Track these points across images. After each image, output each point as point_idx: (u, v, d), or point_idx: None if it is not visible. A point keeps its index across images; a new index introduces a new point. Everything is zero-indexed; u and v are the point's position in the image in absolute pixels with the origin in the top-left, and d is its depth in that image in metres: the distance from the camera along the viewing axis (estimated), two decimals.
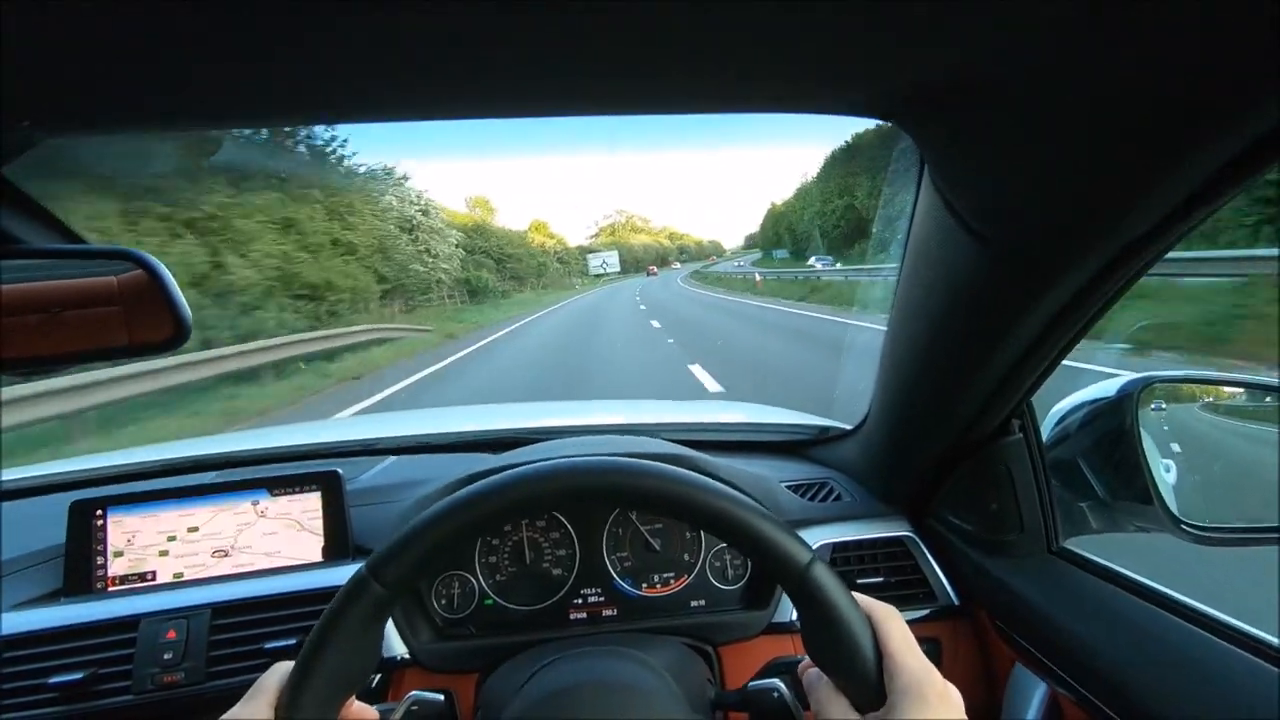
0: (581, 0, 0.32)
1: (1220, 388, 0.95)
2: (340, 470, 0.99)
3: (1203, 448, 0.90)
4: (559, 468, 0.55)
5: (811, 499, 1.02)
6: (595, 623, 0.93)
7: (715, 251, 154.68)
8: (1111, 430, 0.81)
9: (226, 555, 0.94)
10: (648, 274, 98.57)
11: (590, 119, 0.46)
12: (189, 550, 0.93)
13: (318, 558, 0.95)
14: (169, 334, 0.64)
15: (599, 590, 0.94)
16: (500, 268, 43.28)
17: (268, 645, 0.85)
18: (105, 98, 0.39)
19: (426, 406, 6.62)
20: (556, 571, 0.95)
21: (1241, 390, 0.95)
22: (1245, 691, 0.59)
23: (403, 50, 0.37)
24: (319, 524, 0.96)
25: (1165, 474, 0.84)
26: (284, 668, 0.53)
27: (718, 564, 0.96)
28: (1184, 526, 0.75)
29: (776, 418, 1.31)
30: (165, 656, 0.83)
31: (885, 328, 0.81)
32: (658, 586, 0.95)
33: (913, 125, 0.49)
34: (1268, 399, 0.92)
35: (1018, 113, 0.42)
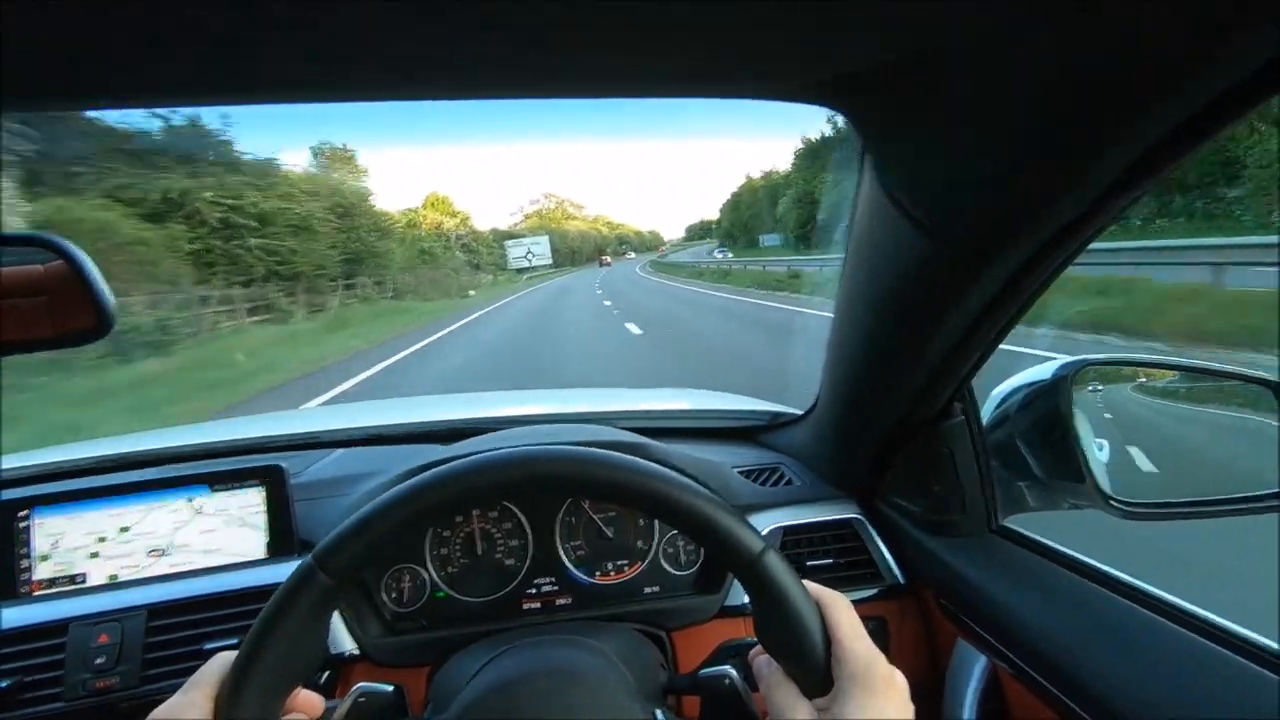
0: None
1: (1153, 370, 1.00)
2: (284, 464, 0.96)
3: (1133, 427, 0.94)
4: (508, 457, 0.54)
5: (763, 484, 1.03)
6: (549, 612, 0.93)
7: (656, 242, 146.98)
8: (1048, 411, 0.83)
9: (163, 554, 0.90)
10: (600, 264, 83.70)
11: (518, 103, 0.45)
12: (122, 551, 0.90)
13: (261, 554, 0.92)
14: (92, 324, 0.61)
15: (552, 579, 0.94)
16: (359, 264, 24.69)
17: (208, 646, 0.82)
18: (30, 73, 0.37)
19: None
20: (509, 562, 0.94)
21: (1173, 373, 0.99)
22: (1171, 659, 0.62)
23: (325, 31, 0.35)
24: (262, 520, 0.93)
25: (1099, 453, 0.87)
26: (225, 659, 0.52)
27: (671, 550, 0.96)
28: (1113, 503, 0.78)
29: (729, 404, 1.32)
30: (98, 661, 0.80)
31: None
32: (611, 574, 0.95)
33: (849, 111, 0.49)
34: (1205, 381, 0.97)
35: (950, 98, 0.43)
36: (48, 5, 0.30)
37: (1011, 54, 0.38)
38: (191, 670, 0.80)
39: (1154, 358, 0.94)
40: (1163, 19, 0.33)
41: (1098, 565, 0.77)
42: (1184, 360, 0.94)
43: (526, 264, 69.96)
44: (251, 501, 0.93)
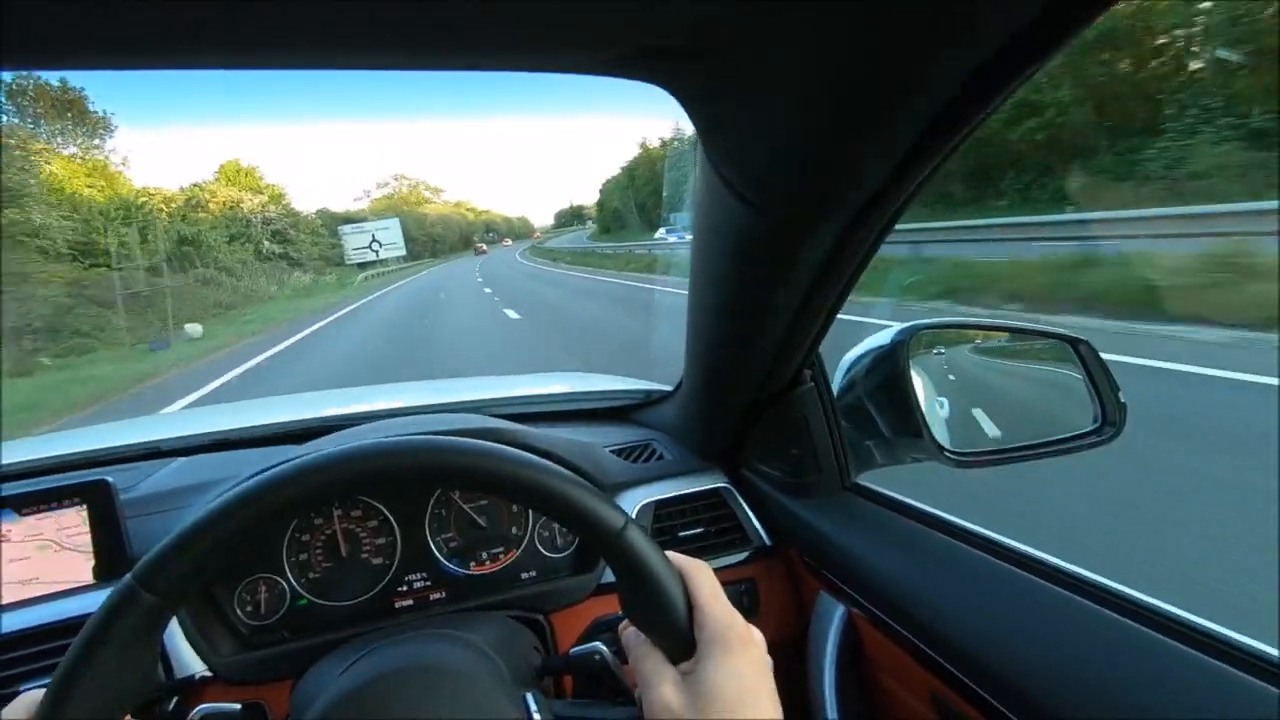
0: None
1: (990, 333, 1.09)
2: (110, 479, 0.86)
3: (967, 384, 1.03)
4: (346, 453, 0.51)
5: (635, 460, 1.04)
6: (424, 608, 0.90)
7: (525, 229, 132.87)
8: (889, 374, 0.90)
9: None
10: (476, 252, 74.05)
11: (350, 79, 0.42)
12: None
13: (88, 579, 0.83)
14: None
15: (424, 574, 0.91)
16: None
17: (24, 687, 0.73)
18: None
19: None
20: (377, 561, 0.90)
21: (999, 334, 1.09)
22: (1001, 594, 0.68)
23: None
24: (86, 542, 0.84)
25: (939, 410, 0.95)
26: (32, 696, 0.47)
27: (546, 534, 0.96)
28: (947, 454, 0.86)
29: (603, 385, 1.32)
30: None
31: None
32: (486, 563, 0.93)
33: (672, 87, 0.50)
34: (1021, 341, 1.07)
35: (758, 71, 0.44)
36: None
37: (808, 26, 0.39)
38: None
39: (977, 320, 1.03)
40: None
41: (937, 513, 0.84)
42: (1003, 321, 1.04)
43: (372, 256, 50.98)
44: (72, 523, 0.84)
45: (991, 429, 0.96)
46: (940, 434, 0.89)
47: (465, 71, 0.45)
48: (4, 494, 0.82)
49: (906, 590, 0.75)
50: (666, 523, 0.97)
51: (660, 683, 0.49)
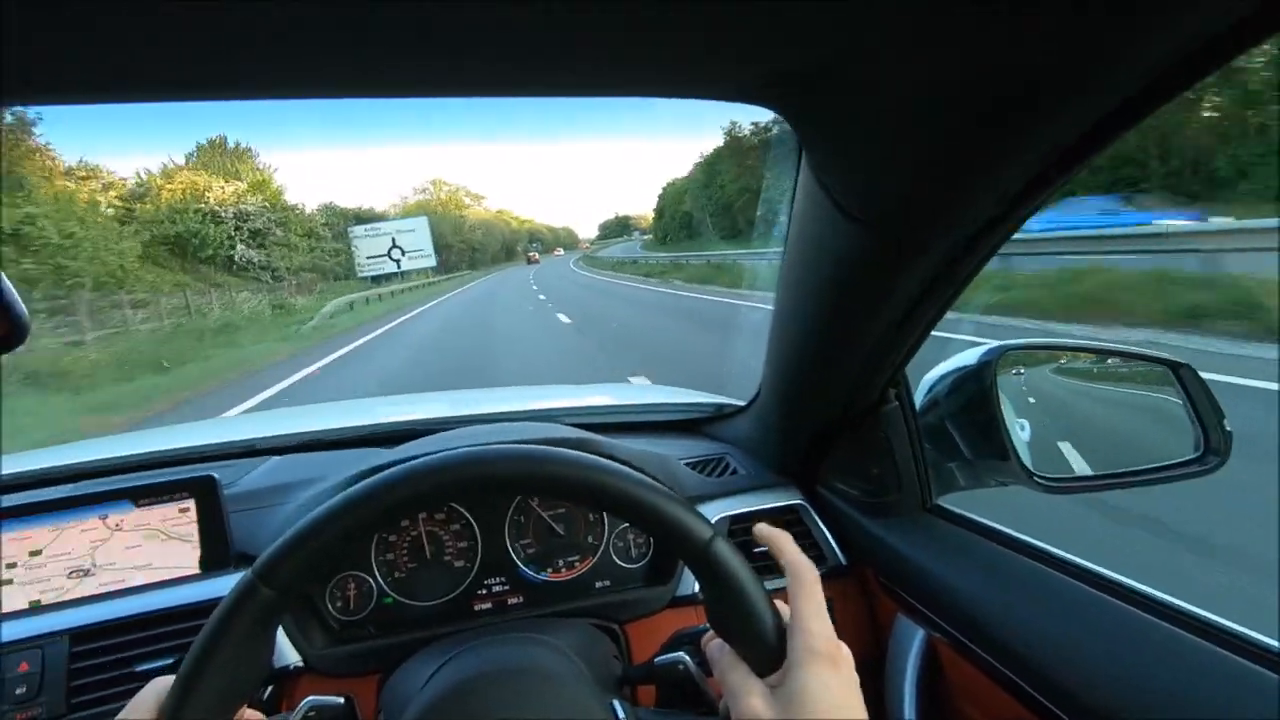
0: None
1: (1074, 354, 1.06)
2: (216, 475, 0.92)
3: (1051, 407, 1.00)
4: (455, 458, 0.54)
5: (709, 474, 1.05)
6: (501, 612, 0.92)
7: (570, 240, 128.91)
8: (974, 395, 0.88)
9: (86, 575, 0.85)
10: (528, 261, 69.60)
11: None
12: (39, 572, 0.84)
13: (194, 570, 0.88)
14: (3, 332, 0.58)
15: (503, 579, 0.93)
16: None
17: (140, 668, 0.78)
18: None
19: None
20: (459, 564, 0.93)
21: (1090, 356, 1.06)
22: (1090, 621, 0.66)
23: (269, 26, 0.34)
24: (193, 534, 0.89)
25: (1020, 432, 0.93)
26: (162, 683, 0.50)
27: (621, 544, 0.97)
28: (1036, 479, 0.84)
29: (674, 397, 1.33)
30: (18, 692, 0.75)
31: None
32: (562, 570, 0.95)
33: (783, 109, 0.51)
34: (1109, 361, 1.04)
35: (880, 97, 0.45)
36: None
37: (932, 52, 0.40)
38: (122, 695, 0.77)
39: (1068, 341, 1.00)
40: (1074, 17, 0.35)
41: (1022, 537, 0.82)
42: (1095, 343, 1.01)
43: (392, 267, 37.94)
44: (182, 515, 0.89)
45: (1075, 454, 0.93)
46: (1025, 457, 0.87)
47: (587, 96, 0.47)
48: (124, 486, 0.88)
49: (991, 615, 0.73)
50: (741, 538, 0.97)
51: (748, 694, 0.49)
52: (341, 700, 0.66)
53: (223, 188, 28.96)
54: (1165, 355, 0.85)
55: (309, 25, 0.34)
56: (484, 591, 0.93)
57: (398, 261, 38.75)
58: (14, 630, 0.79)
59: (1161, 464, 0.83)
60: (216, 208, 27.88)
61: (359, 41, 0.37)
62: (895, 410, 0.87)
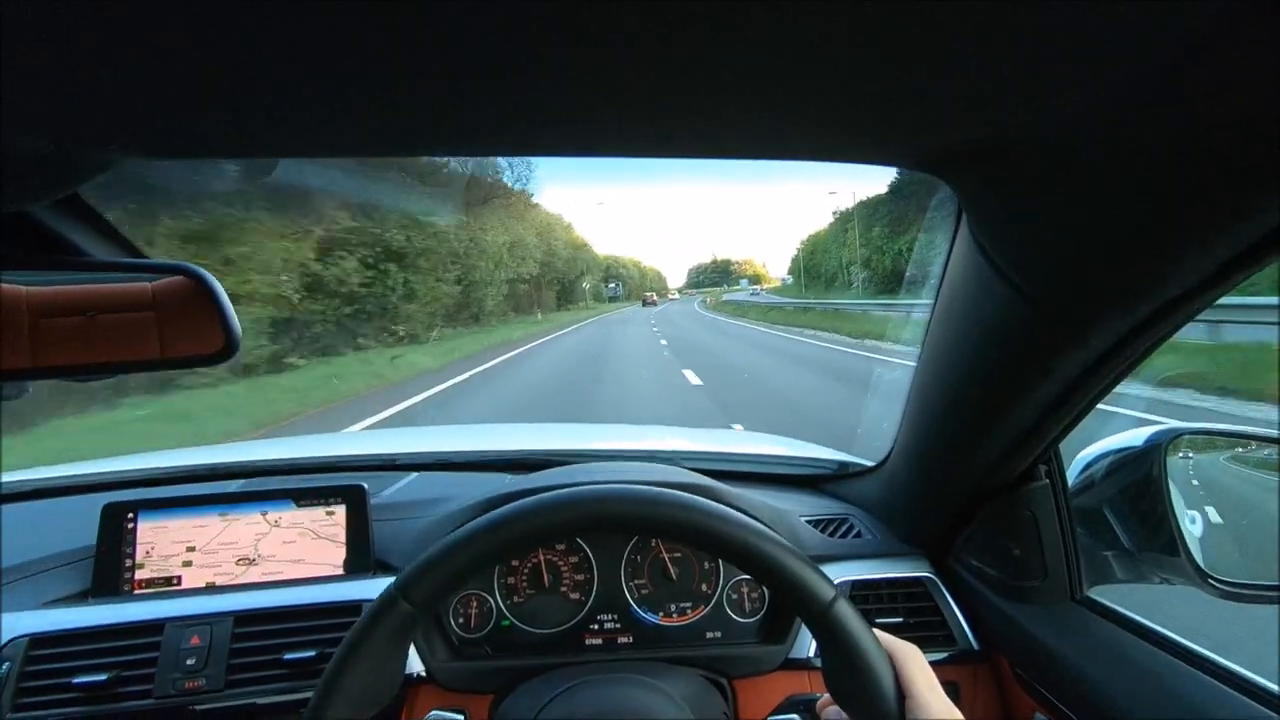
0: (635, 45, 0.33)
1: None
2: (365, 485, 1.00)
3: (1230, 501, 0.89)
4: (593, 494, 0.56)
5: (831, 534, 1.01)
6: (611, 650, 0.93)
7: (659, 284, 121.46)
8: (1138, 479, 0.81)
9: (250, 564, 0.95)
10: (645, 303, 65.39)
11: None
12: (213, 557, 0.95)
13: (339, 570, 0.96)
14: (219, 347, 0.66)
15: (615, 617, 0.94)
16: None
17: (287, 656, 0.86)
18: (192, 123, 0.41)
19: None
20: (574, 596, 0.95)
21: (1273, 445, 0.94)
22: None
23: (461, 89, 0.38)
24: (342, 536, 0.97)
25: (1191, 525, 0.83)
26: None
27: (735, 596, 0.96)
28: (1211, 581, 0.75)
29: (795, 450, 1.31)
30: (188, 662, 0.84)
31: (914, 365, 0.81)
32: (674, 616, 0.95)
33: (953, 177, 0.50)
34: None
35: (1058, 171, 0.43)
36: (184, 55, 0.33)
37: (1117, 135, 0.38)
38: (271, 678, 0.85)
39: (1256, 430, 0.90)
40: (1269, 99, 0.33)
41: (1191, 646, 0.73)
42: None
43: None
44: (334, 519, 0.98)
45: (1258, 558, 0.83)
46: (1197, 554, 0.78)
47: (758, 160, 0.49)
48: (288, 487, 0.98)
49: None
50: (863, 606, 0.93)
51: None
52: (460, 717, 0.69)
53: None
54: None
55: (468, 92, 0.37)
56: (596, 627, 0.94)
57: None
58: (189, 606, 0.90)
59: None
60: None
61: (538, 105, 0.40)
62: (1044, 488, 0.81)
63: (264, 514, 0.96)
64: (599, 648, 0.93)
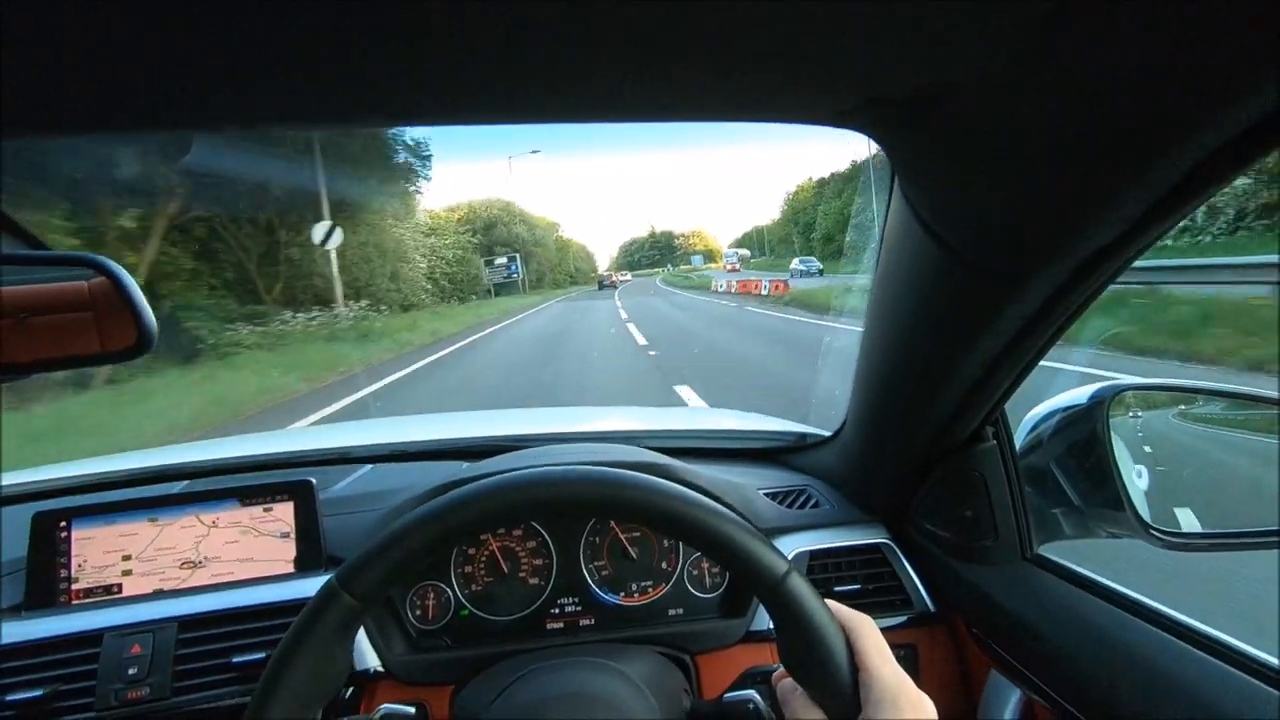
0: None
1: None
2: (313, 480, 0.97)
3: (1174, 454, 0.91)
4: (533, 477, 0.55)
5: (789, 506, 1.02)
6: (573, 632, 0.92)
7: (584, 262, 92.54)
8: (1083, 437, 0.82)
9: (195, 567, 0.92)
10: (602, 285, 55.88)
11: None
12: (153, 564, 0.91)
13: (289, 569, 0.93)
14: (132, 342, 0.63)
15: (576, 600, 0.93)
16: None
17: (235, 659, 0.83)
18: (76, 96, 0.38)
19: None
20: (533, 581, 0.94)
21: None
22: (1214, 700, 0.59)
23: (381, 56, 0.36)
24: (291, 534, 0.94)
25: (1137, 480, 0.85)
26: None
27: (695, 572, 0.95)
28: (1154, 532, 0.76)
29: (755, 424, 1.31)
30: (130, 672, 0.81)
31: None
32: (635, 595, 0.94)
33: (881, 135, 0.49)
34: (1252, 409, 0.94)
35: (982, 124, 0.43)
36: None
37: (1040, 82, 0.38)
38: (219, 682, 0.82)
39: (1194, 383, 0.92)
40: (1195, 44, 0.32)
41: (1140, 598, 0.74)
42: (1226, 386, 0.91)
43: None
44: (282, 516, 0.95)
45: (1201, 509, 0.85)
46: (1142, 508, 0.79)
47: (677, 121, 0.47)
48: (230, 486, 0.95)
49: (1101, 682, 0.67)
50: (821, 575, 0.93)
51: None
52: (413, 710, 0.68)
53: None
54: None
55: (366, 58, 0.35)
56: (557, 611, 0.93)
57: None
58: (130, 614, 0.86)
59: None
60: None
61: (438, 73, 0.38)
62: (992, 449, 0.81)
63: (199, 516, 0.93)
64: (560, 631, 0.92)
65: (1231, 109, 0.35)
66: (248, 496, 0.95)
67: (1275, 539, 0.75)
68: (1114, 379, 0.85)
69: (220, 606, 0.88)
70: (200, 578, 0.91)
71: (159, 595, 0.90)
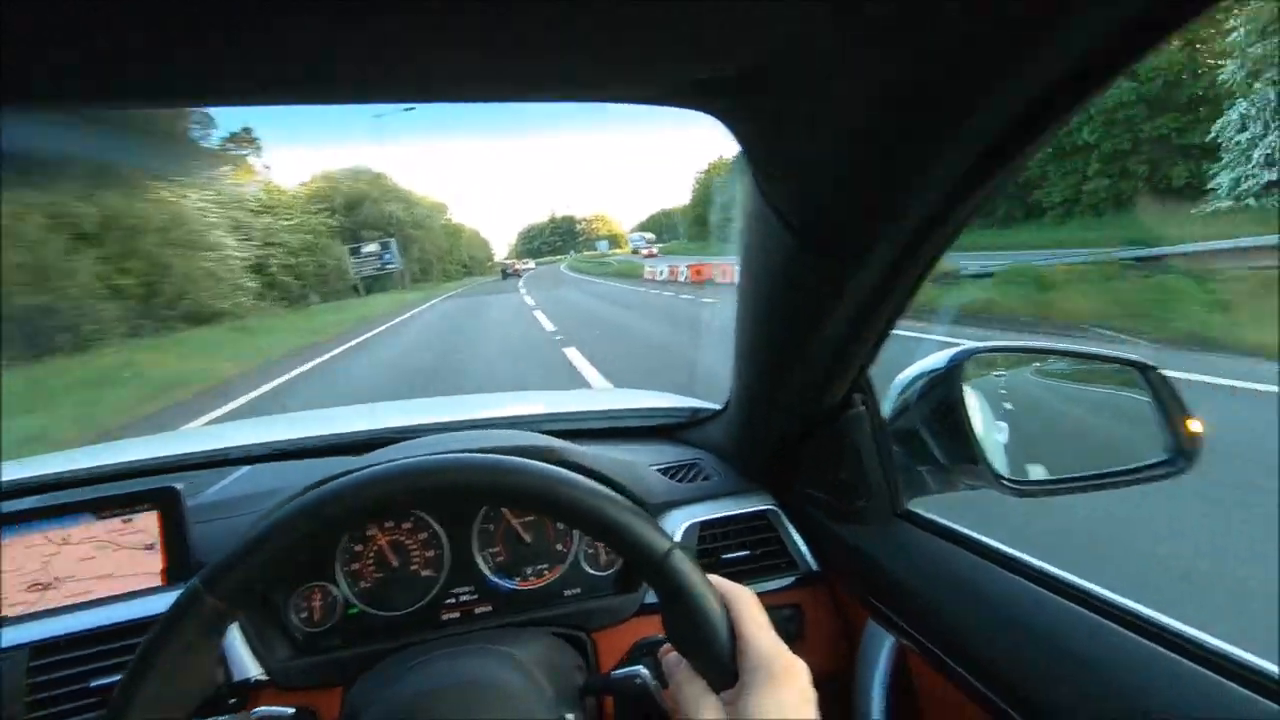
0: None
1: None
2: (180, 486, 0.91)
3: (1025, 409, 0.99)
4: (405, 468, 0.53)
5: (680, 480, 1.04)
6: (469, 621, 0.91)
7: (478, 250, 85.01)
8: (944, 398, 0.87)
9: (46, 588, 0.84)
10: (505, 274, 51.35)
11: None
12: None
13: (156, 582, 0.87)
14: None
15: (471, 588, 0.92)
16: None
17: (94, 684, 0.77)
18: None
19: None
20: (425, 573, 0.92)
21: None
22: (1063, 634, 0.65)
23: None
24: (156, 545, 0.88)
25: (999, 435, 0.91)
26: None
27: (590, 551, 0.96)
28: (1004, 482, 0.82)
29: (652, 402, 1.32)
30: None
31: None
32: (531, 579, 0.94)
33: (722, 114, 0.50)
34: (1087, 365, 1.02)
35: (803, 102, 0.44)
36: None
37: (851, 56, 0.39)
38: (79, 709, 0.76)
39: (1036, 344, 0.99)
40: (990, 18, 0.34)
41: (995, 545, 0.81)
42: (1065, 345, 1.00)
43: None
44: (145, 527, 0.88)
45: (1050, 457, 0.92)
46: (998, 461, 0.85)
47: (518, 101, 0.47)
48: (82, 499, 0.88)
49: (961, 624, 0.72)
50: (711, 544, 0.96)
51: (701, 710, 0.49)
52: (291, 711, 0.65)
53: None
54: (1133, 357, 0.84)
55: (275, 29, 0.33)
56: (452, 601, 0.92)
57: None
58: None
59: (1130, 467, 0.82)
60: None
61: (271, 52, 0.36)
62: (860, 415, 0.85)
63: (46, 534, 0.85)
64: (456, 621, 0.91)
65: (1025, 74, 0.37)
66: (102, 509, 0.87)
67: (1104, 481, 0.83)
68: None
69: (77, 628, 0.81)
70: (52, 599, 0.84)
71: (3, 622, 0.82)
